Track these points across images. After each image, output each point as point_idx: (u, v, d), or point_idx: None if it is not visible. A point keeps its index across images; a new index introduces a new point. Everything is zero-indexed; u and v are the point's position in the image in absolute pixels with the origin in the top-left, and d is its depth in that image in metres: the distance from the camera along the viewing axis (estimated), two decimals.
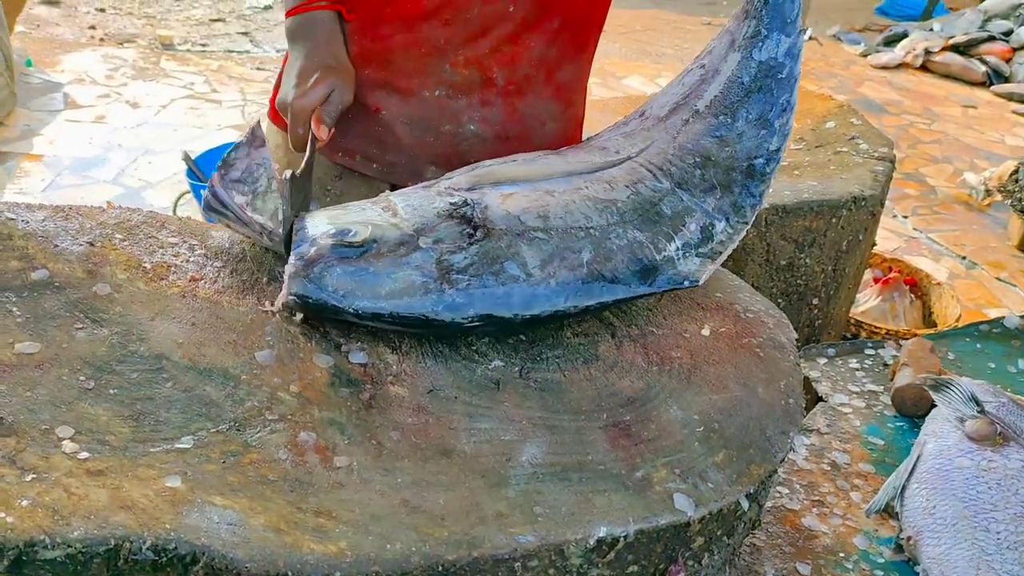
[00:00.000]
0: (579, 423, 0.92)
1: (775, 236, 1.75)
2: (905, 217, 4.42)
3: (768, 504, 1.19)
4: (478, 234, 0.98)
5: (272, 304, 0.96)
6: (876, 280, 2.75)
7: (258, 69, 5.27)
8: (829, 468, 1.29)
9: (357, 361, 0.94)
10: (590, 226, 1.03)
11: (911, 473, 1.20)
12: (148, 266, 0.99)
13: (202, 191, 2.82)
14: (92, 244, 0.98)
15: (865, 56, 6.89)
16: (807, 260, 1.81)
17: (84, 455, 0.75)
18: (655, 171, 1.12)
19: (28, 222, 0.98)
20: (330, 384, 0.90)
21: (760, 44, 1.13)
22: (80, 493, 0.71)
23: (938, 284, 2.73)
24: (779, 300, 1.84)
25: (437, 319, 0.93)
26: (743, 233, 1.10)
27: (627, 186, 1.10)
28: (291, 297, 0.92)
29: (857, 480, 1.27)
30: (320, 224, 0.98)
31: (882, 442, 1.36)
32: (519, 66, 1.31)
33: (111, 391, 0.82)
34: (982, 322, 1.67)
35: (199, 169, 2.85)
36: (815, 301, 1.88)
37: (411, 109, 1.32)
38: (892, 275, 2.70)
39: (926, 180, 4.81)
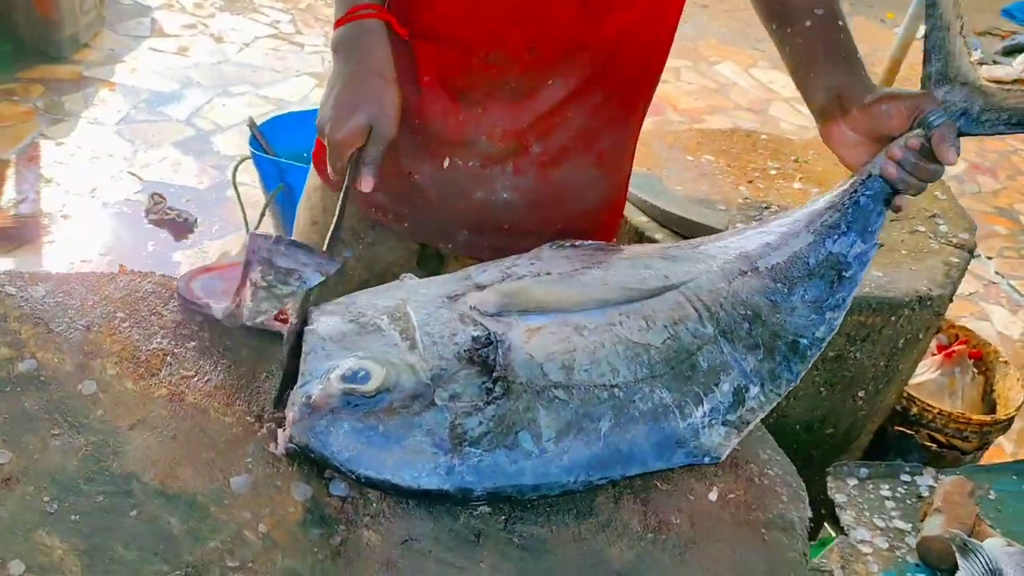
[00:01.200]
0: None
1: None
2: (988, 258, 4.18)
3: None
4: (496, 389, 0.92)
5: (275, 446, 0.92)
6: (940, 348, 2.60)
7: None
8: None
9: (337, 493, 0.90)
10: (615, 383, 0.97)
11: None
12: (142, 357, 0.96)
13: (262, 161, 2.78)
14: (88, 329, 0.96)
15: (980, 65, 6.49)
16: (857, 354, 1.71)
17: None
18: (701, 311, 1.07)
19: (28, 300, 0.96)
20: (302, 523, 0.86)
21: (836, 237, 1.11)
22: None
23: (1005, 363, 2.57)
24: (822, 389, 1.75)
25: (442, 495, 0.88)
26: (772, 406, 1.04)
27: (666, 326, 1.04)
28: (291, 445, 0.88)
29: None
30: (330, 346, 0.93)
31: None
32: (556, 137, 1.24)
33: (72, 517, 0.80)
34: None
35: (263, 137, 2.82)
36: (861, 394, 1.78)
37: (444, 176, 1.26)
38: (957, 347, 2.55)
39: (1020, 218, 4.53)
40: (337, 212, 1.09)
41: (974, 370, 2.56)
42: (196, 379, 0.96)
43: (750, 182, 2.08)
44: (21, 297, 0.96)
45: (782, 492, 1.02)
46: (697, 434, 0.98)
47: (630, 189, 1.82)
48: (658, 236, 1.75)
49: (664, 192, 1.86)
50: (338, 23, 1.18)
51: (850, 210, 1.10)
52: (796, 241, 1.12)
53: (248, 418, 0.94)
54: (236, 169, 2.80)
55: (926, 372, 2.51)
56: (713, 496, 0.99)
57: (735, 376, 1.03)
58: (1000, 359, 2.59)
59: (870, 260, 1.11)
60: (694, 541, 0.94)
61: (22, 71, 3.90)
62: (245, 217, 3.00)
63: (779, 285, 1.09)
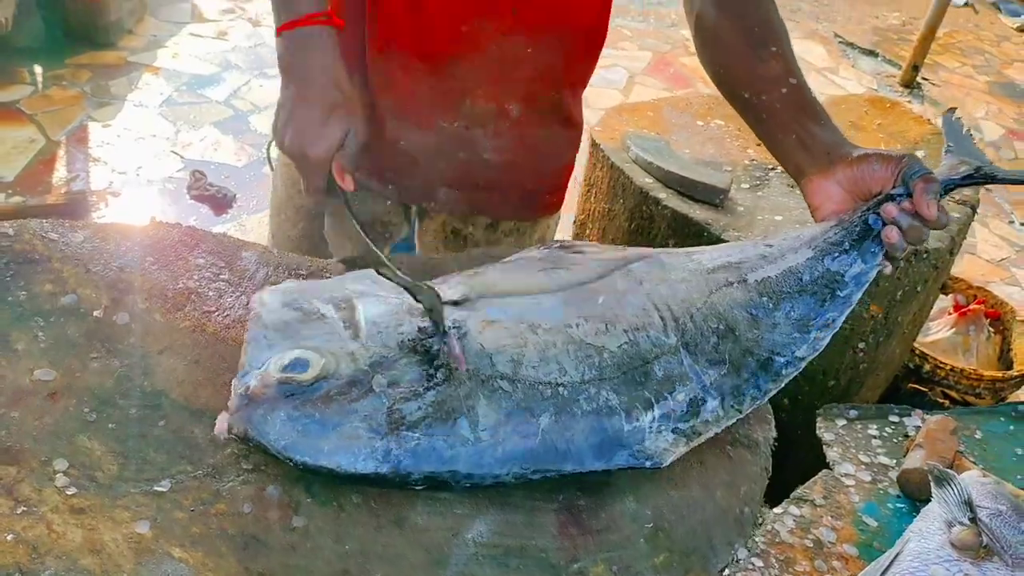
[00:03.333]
0: (534, 502, 0.97)
1: None
2: (1022, 224, 4.18)
3: None
4: (438, 376, 0.92)
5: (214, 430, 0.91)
6: (957, 307, 2.64)
7: None
8: (812, 544, 1.30)
9: None
10: (560, 382, 0.96)
11: (887, 569, 1.21)
12: (169, 294, 1.08)
13: None
14: (122, 270, 1.08)
15: (1022, 32, 6.40)
16: (856, 306, 1.77)
17: (72, 490, 0.85)
18: (667, 320, 1.04)
19: (68, 244, 1.08)
20: None
21: (836, 255, 1.11)
22: (59, 531, 0.81)
23: (1022, 322, 2.60)
24: None
25: (380, 479, 0.89)
26: (731, 422, 1.03)
27: (626, 331, 1.02)
28: (230, 436, 0.89)
29: (836, 562, 1.28)
30: (272, 335, 0.95)
31: (876, 523, 1.35)
32: (535, 102, 1.35)
33: (110, 425, 0.92)
34: (1020, 403, 1.61)
35: None
36: (861, 346, 1.85)
37: (428, 139, 1.36)
38: (973, 306, 2.59)
39: None
40: (355, 223, 1.12)
41: (990, 329, 2.60)
42: (216, 314, 1.08)
43: (758, 145, 2.14)
44: (62, 242, 1.08)
45: (749, 415, 1.10)
46: (643, 438, 0.96)
47: (636, 151, 1.91)
48: (662, 196, 1.82)
49: (669, 154, 1.93)
50: (280, 29, 1.15)
51: (857, 228, 1.11)
52: (793, 256, 1.12)
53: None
54: (270, 145, 2.92)
55: (941, 331, 2.55)
56: None
57: (692, 387, 1.01)
58: (1017, 318, 2.62)
59: (868, 283, 1.11)
60: None
61: (70, 57, 4.09)
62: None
63: (764, 299, 1.09)
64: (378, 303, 1.00)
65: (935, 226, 1.08)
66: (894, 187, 1.10)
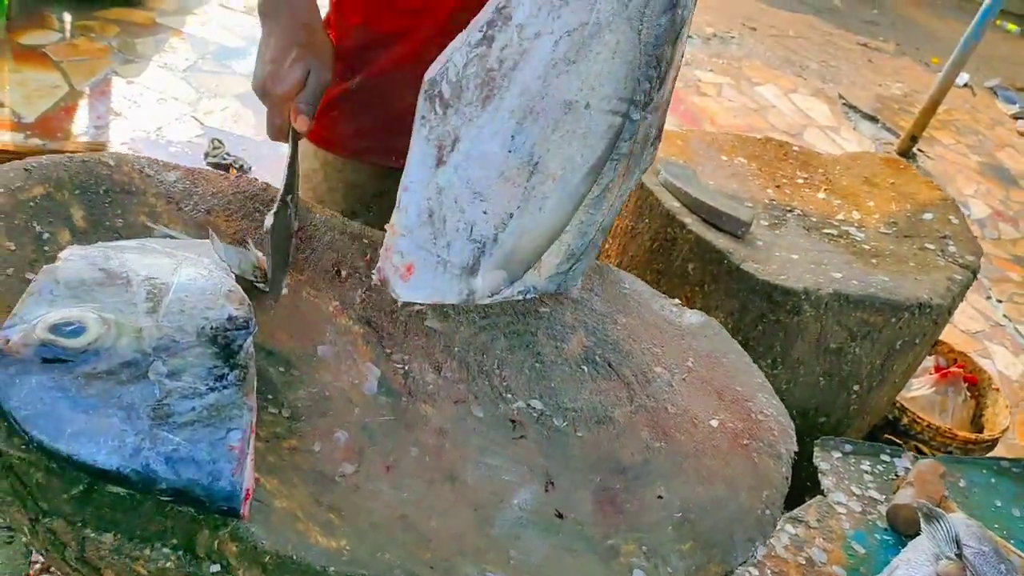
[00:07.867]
0: (574, 478, 1.04)
1: (831, 321, 1.80)
2: (999, 301, 4.32)
3: None
4: (230, 377, 0.82)
5: None
6: (937, 369, 2.75)
7: None
8: (804, 562, 1.38)
9: (402, 373, 1.07)
10: None
11: None
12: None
13: None
14: (209, 212, 1.13)
15: (1016, 119, 6.63)
16: (857, 350, 1.86)
17: None
18: None
19: (163, 182, 1.13)
20: (373, 389, 1.04)
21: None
22: None
23: (996, 390, 2.72)
24: (820, 379, 1.91)
25: (120, 478, 0.76)
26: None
27: None
28: None
29: None
30: (60, 291, 0.84)
31: (864, 551, 1.44)
32: None
33: None
34: (1004, 458, 1.71)
35: None
36: (856, 388, 1.94)
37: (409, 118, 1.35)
38: (953, 369, 2.70)
39: None
40: (287, 167, 1.14)
41: (967, 393, 2.71)
42: (293, 267, 1.13)
43: (778, 187, 2.24)
44: (157, 178, 1.13)
45: (774, 428, 1.18)
46: None
47: (666, 176, 2.00)
48: (687, 220, 1.91)
49: (697, 183, 2.02)
50: None
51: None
52: None
53: (333, 304, 1.11)
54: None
55: (922, 388, 2.66)
56: (714, 423, 1.16)
57: None
58: (992, 386, 2.74)
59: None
60: (694, 455, 1.11)
61: (100, 11, 4.11)
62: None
63: None
64: (198, 279, 0.90)
65: None
66: None
